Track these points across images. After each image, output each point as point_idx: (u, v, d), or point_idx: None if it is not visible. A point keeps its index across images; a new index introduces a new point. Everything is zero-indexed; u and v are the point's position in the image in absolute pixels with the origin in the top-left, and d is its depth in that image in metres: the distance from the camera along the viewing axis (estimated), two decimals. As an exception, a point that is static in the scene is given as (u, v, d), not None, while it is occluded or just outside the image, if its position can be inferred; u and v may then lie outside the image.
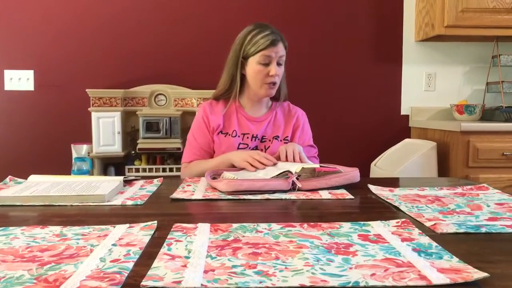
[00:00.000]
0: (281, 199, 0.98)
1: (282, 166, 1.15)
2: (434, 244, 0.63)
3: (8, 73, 2.43)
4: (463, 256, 0.58)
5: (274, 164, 1.22)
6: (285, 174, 1.08)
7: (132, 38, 2.46)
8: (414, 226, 0.73)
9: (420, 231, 0.70)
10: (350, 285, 0.49)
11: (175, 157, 2.33)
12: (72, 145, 2.30)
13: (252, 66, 1.40)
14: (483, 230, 0.72)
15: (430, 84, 2.62)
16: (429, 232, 0.71)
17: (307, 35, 2.53)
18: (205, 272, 0.53)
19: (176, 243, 0.64)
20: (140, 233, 0.69)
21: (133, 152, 2.34)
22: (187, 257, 0.58)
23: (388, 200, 0.95)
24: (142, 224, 0.74)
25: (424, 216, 0.80)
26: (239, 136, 1.46)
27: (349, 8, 2.55)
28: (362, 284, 0.49)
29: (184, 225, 0.73)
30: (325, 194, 1.02)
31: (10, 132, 2.46)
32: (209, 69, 2.42)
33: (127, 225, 0.74)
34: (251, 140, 1.46)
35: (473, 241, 0.67)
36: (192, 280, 0.50)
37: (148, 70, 2.47)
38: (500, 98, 2.47)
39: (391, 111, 2.62)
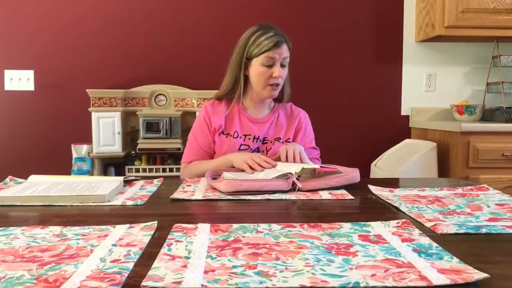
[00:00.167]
0: (281, 200, 0.98)
1: (282, 169, 1.15)
2: (434, 244, 0.63)
3: (8, 73, 2.43)
4: (463, 256, 0.58)
5: (274, 167, 1.22)
6: (285, 175, 1.08)
7: (132, 38, 2.46)
8: (414, 226, 0.73)
9: (421, 232, 0.70)
10: (351, 285, 0.49)
11: (175, 157, 2.33)
12: (72, 145, 2.30)
13: (256, 68, 1.40)
14: (483, 230, 0.72)
15: (430, 84, 2.62)
16: (429, 232, 0.71)
17: (308, 35, 2.53)
18: (205, 272, 0.53)
19: (176, 244, 0.64)
20: (140, 233, 0.69)
21: (133, 152, 2.34)
22: (187, 258, 0.58)
23: (388, 201, 0.95)
24: (142, 225, 0.74)
25: (424, 217, 0.80)
26: (240, 137, 1.45)
27: (350, 9, 2.55)
28: (362, 285, 0.49)
29: (184, 225, 0.73)
30: (325, 195, 1.02)
31: (10, 132, 2.46)
32: (209, 69, 2.43)
33: (127, 225, 0.74)
34: (253, 141, 1.45)
35: (473, 242, 0.67)
36: (192, 280, 0.50)
37: (148, 70, 2.47)
38: (500, 98, 2.47)
39: (391, 111, 2.62)
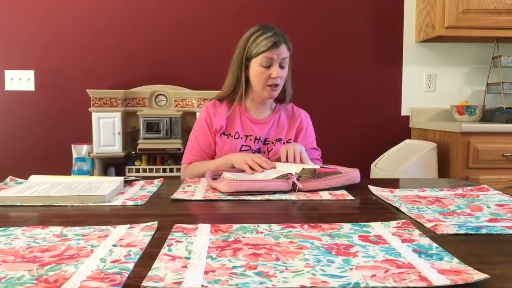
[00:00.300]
0: (282, 200, 0.98)
1: (282, 169, 1.15)
2: (435, 245, 0.63)
3: (8, 73, 2.43)
4: (463, 257, 0.58)
5: (274, 168, 1.22)
6: (285, 175, 1.08)
7: (132, 38, 2.47)
8: (414, 227, 0.73)
9: (421, 232, 0.70)
10: (351, 286, 0.49)
11: (176, 157, 2.34)
12: (72, 145, 2.30)
13: (255, 68, 1.40)
14: (484, 231, 0.72)
15: (431, 85, 2.62)
16: (430, 233, 0.71)
17: (308, 36, 2.53)
18: (206, 273, 0.53)
19: (177, 244, 0.64)
20: (141, 234, 0.69)
21: (133, 152, 2.34)
22: (188, 258, 0.58)
23: (388, 201, 0.95)
24: (143, 225, 0.74)
25: (424, 217, 0.80)
26: (241, 138, 1.45)
27: (350, 9, 2.55)
28: (362, 285, 0.49)
29: (184, 225, 0.73)
30: (325, 195, 1.02)
31: (11, 132, 2.46)
32: (210, 69, 2.43)
33: (128, 225, 0.74)
34: (254, 142, 1.45)
35: (474, 242, 0.67)
36: (193, 280, 0.50)
37: (149, 70, 2.48)
38: (500, 99, 2.47)
39: (391, 112, 2.62)
